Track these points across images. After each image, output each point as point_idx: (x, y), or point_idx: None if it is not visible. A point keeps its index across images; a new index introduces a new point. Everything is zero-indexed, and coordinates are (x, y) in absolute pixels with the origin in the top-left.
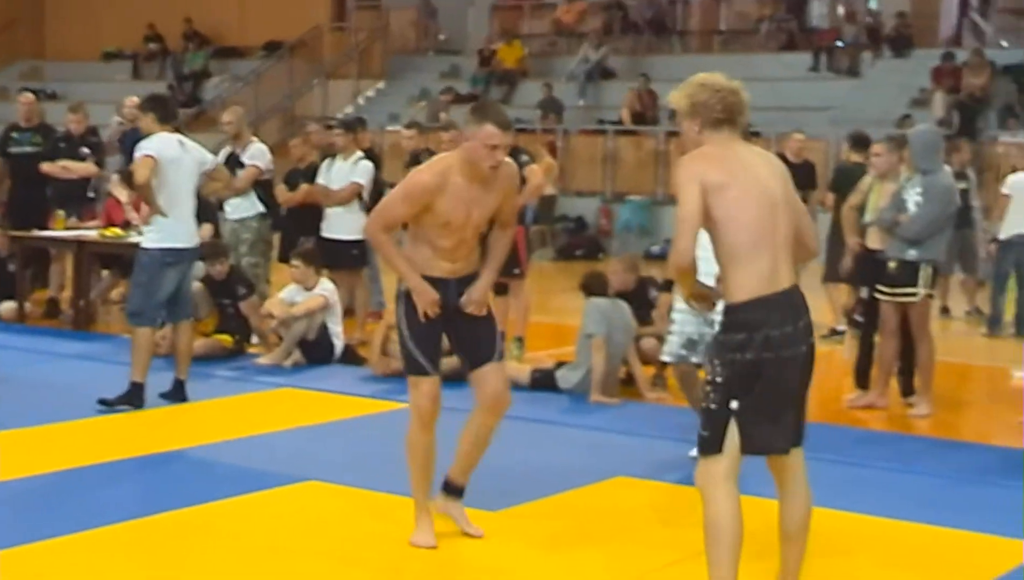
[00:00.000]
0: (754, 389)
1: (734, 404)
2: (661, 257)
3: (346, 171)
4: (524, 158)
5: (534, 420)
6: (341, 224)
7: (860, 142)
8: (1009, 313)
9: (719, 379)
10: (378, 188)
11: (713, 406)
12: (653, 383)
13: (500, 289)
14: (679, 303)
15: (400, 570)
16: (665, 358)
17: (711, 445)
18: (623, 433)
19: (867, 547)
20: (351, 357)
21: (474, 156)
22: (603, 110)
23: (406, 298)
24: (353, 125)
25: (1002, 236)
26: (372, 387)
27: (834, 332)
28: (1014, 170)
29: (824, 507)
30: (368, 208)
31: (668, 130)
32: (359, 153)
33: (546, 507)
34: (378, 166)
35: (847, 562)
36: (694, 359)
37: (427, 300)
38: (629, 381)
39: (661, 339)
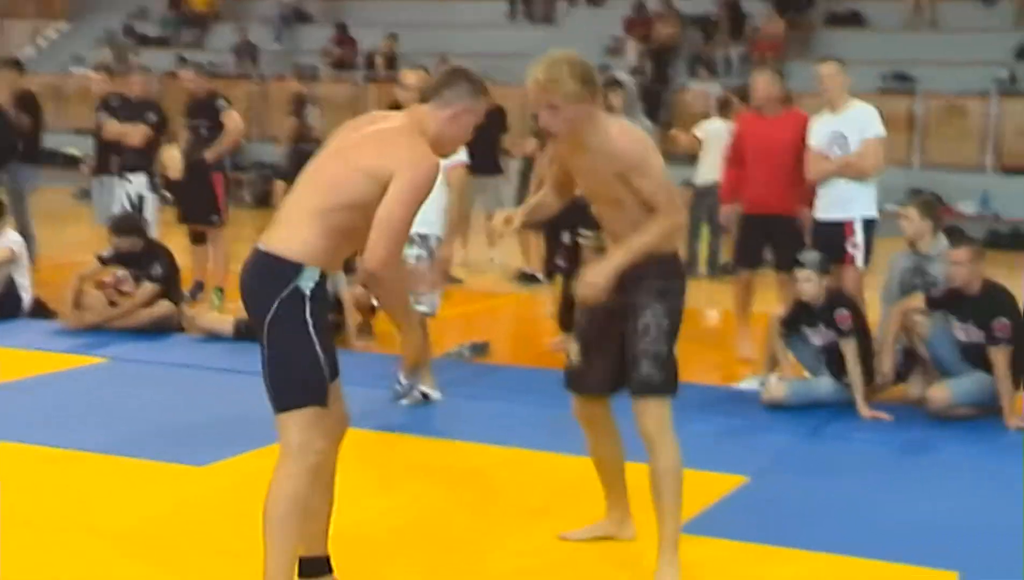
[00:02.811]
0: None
1: (674, 348)
2: None
3: None
4: (221, 103)
5: (240, 371)
6: None
7: None
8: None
9: (666, 323)
10: (36, 134)
11: (665, 349)
12: (359, 331)
13: (198, 237)
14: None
15: (100, 531)
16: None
17: (669, 387)
18: None
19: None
20: (41, 310)
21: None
22: (300, 54)
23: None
24: None
25: (697, 182)
26: (67, 342)
27: (524, 275)
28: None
29: (535, 450)
30: None
31: (366, 75)
32: None
33: (260, 459)
34: (37, 109)
35: (566, 502)
36: (420, 308)
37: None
38: (335, 329)
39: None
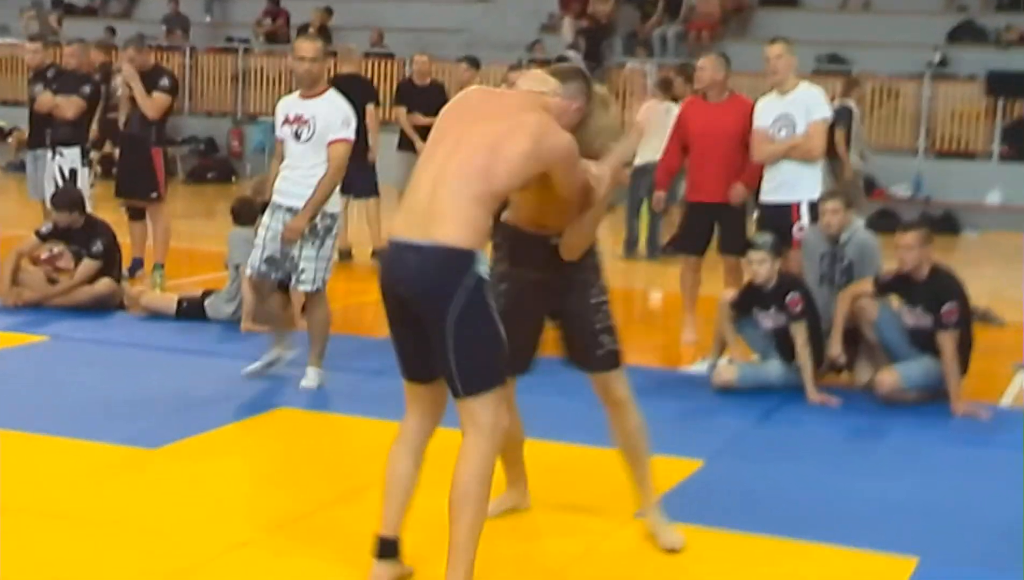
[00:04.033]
0: None
1: None
2: None
3: None
4: (164, 82)
5: (185, 351)
6: None
7: (475, 63)
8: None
9: (606, 298)
10: None
11: (611, 322)
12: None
13: (138, 214)
14: (265, 218)
15: (58, 515)
16: (247, 271)
17: (621, 355)
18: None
19: (553, 470)
20: None
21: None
22: (232, 27)
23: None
24: None
25: (637, 162)
26: (4, 320)
27: None
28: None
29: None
30: None
31: None
32: None
33: (208, 442)
34: None
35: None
36: (274, 277)
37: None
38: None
39: None
